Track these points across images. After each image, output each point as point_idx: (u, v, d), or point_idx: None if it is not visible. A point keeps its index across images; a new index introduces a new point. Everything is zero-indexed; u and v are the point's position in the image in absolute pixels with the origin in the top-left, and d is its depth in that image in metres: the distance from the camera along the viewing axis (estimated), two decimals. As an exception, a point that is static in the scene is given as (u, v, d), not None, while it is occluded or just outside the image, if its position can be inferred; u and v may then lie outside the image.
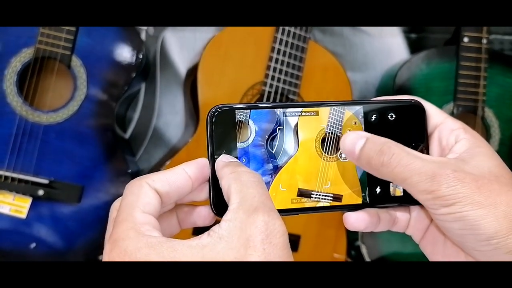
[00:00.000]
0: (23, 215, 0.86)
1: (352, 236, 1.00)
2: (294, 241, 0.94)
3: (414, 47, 1.12)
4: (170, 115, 1.06)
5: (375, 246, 1.00)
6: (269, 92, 0.93)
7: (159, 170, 0.99)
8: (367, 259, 0.98)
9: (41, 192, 0.86)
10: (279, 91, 0.93)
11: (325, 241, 0.96)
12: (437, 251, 0.33)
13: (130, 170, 0.92)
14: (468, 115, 0.99)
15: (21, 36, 0.87)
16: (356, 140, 0.32)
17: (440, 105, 0.97)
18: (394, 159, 0.30)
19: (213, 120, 0.32)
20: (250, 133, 0.32)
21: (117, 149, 0.92)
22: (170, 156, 0.96)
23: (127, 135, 1.05)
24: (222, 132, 0.32)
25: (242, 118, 0.32)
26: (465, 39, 0.97)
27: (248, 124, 0.32)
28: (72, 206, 0.88)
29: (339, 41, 1.10)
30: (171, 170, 0.30)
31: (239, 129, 0.32)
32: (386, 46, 1.11)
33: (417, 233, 0.35)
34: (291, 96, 0.94)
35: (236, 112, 0.32)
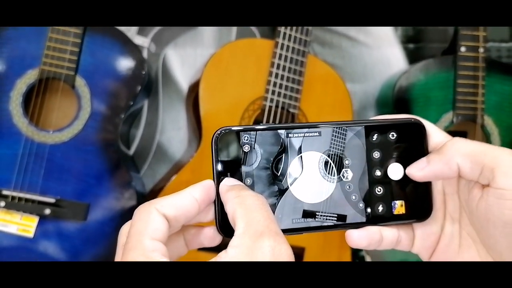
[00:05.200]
0: (30, 234, 0.87)
1: (357, 247, 1.01)
2: (298, 254, 0.94)
3: (412, 57, 1.13)
4: (173, 131, 1.07)
5: (379, 256, 1.00)
6: (270, 107, 0.94)
7: (164, 186, 0.98)
8: (372, 269, 0.99)
9: (47, 211, 0.87)
10: (280, 105, 0.94)
11: (329, 252, 0.96)
12: None
13: (133, 183, 0.93)
14: (468, 123, 1.00)
15: (26, 58, 0.88)
16: None
17: (439, 114, 0.98)
18: None
19: (218, 142, 0.32)
20: (255, 156, 0.32)
21: (121, 165, 0.93)
22: (175, 171, 0.97)
23: (131, 151, 1.06)
24: (227, 154, 0.32)
25: (247, 140, 0.32)
26: (462, 49, 0.98)
27: (253, 147, 0.32)
28: (79, 223, 0.89)
29: (338, 54, 1.11)
30: (178, 194, 0.30)
31: (243, 151, 0.32)
32: (384, 57, 1.12)
33: (424, 252, 0.35)
34: (292, 110, 0.95)
35: (240, 135, 0.32)
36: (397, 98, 1.00)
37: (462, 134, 1.04)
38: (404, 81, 1.00)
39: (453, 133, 1.02)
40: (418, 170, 0.33)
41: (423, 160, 0.33)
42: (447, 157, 0.32)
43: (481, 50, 0.98)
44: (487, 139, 0.99)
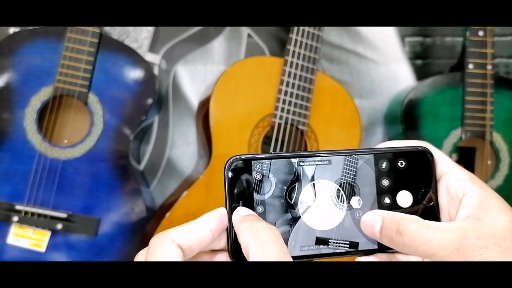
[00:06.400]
0: (42, 248, 0.88)
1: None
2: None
3: (420, 73, 1.14)
4: (183, 146, 1.08)
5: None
6: (279, 124, 0.95)
7: (174, 201, 0.98)
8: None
9: (59, 226, 0.88)
10: (289, 122, 0.95)
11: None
12: None
13: (143, 198, 0.95)
14: (476, 139, 1.00)
15: (40, 75, 0.90)
16: (373, 223, 0.33)
17: (448, 131, 0.98)
18: (414, 239, 0.31)
19: (230, 171, 0.33)
20: (268, 184, 0.33)
21: (132, 181, 0.95)
22: (185, 187, 0.98)
23: (142, 166, 1.07)
24: (239, 183, 0.33)
25: (259, 169, 0.33)
26: (470, 66, 0.99)
27: (265, 175, 0.33)
28: (90, 238, 0.90)
29: (346, 70, 1.12)
30: (192, 224, 0.31)
31: (255, 179, 0.33)
32: (392, 73, 1.13)
33: None
34: (300, 127, 0.96)
35: (252, 163, 0.33)
36: (405, 114, 1.00)
37: (471, 150, 1.04)
38: (413, 97, 1.01)
39: (462, 149, 1.02)
40: None
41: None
42: None
43: (489, 67, 0.98)
44: (496, 155, 0.99)
